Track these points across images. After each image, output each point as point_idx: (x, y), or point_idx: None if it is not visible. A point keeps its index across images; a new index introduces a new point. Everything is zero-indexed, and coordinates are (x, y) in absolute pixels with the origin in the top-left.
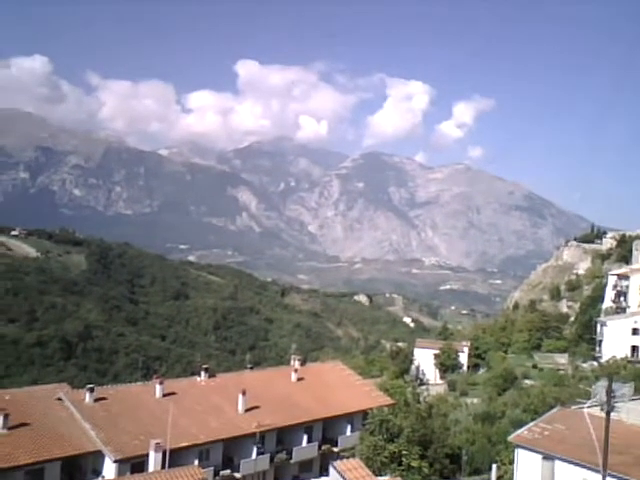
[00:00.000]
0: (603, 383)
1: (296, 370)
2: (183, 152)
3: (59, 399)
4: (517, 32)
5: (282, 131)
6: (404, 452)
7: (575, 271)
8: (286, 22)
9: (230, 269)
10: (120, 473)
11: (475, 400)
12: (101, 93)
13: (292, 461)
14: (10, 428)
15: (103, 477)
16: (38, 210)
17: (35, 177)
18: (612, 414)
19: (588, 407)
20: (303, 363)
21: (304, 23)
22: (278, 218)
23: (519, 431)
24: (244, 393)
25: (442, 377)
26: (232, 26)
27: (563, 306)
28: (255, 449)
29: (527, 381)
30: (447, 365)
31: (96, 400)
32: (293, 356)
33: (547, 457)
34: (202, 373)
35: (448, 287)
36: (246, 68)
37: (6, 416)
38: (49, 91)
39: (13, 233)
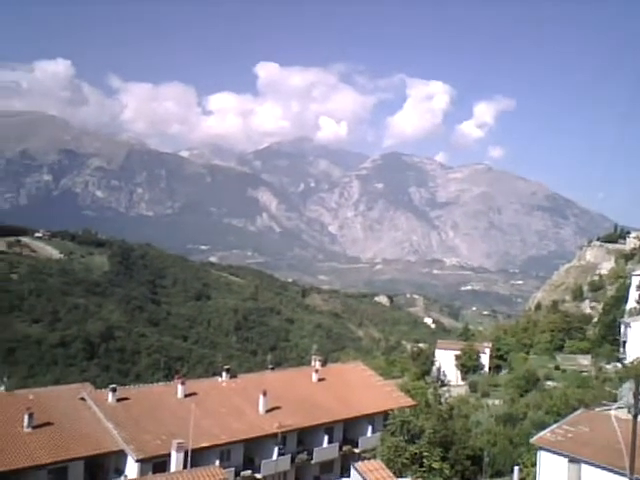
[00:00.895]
0: (629, 385)
1: (317, 371)
2: (204, 154)
3: (82, 399)
4: (539, 32)
5: (302, 132)
6: (425, 453)
7: (598, 271)
8: (306, 24)
9: (251, 270)
10: (142, 473)
11: (497, 401)
12: (123, 95)
13: (313, 462)
14: (34, 427)
15: (125, 476)
16: (61, 212)
17: (58, 180)
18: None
19: (615, 409)
20: (324, 364)
21: (324, 24)
22: (298, 219)
23: (542, 433)
24: (265, 394)
25: (463, 378)
26: (252, 28)
27: (586, 307)
28: (276, 450)
29: (549, 383)
30: (468, 366)
31: (118, 400)
32: (314, 357)
33: (573, 460)
34: (223, 374)
35: (469, 288)
36: (266, 70)
37: (30, 415)
38: (72, 94)
39: (37, 235)
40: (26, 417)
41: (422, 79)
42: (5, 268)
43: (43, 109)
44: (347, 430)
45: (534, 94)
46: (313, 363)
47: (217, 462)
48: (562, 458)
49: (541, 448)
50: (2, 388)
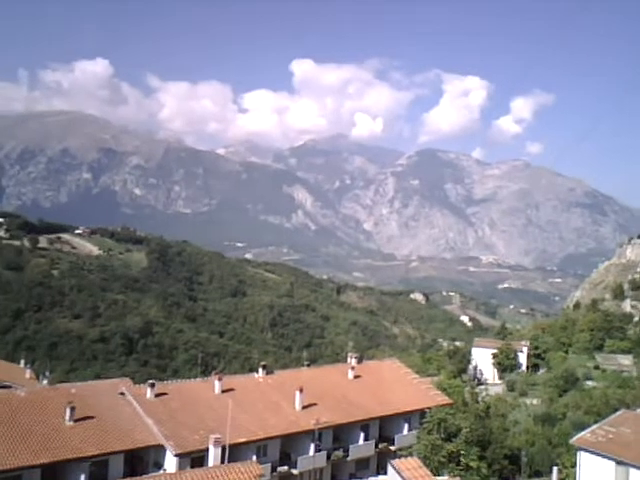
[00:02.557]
0: None
1: (353, 368)
2: (240, 151)
3: (122, 394)
4: (579, 24)
5: (337, 129)
6: (462, 452)
7: (639, 269)
8: (340, 20)
9: (286, 267)
10: (181, 467)
11: (535, 401)
12: (161, 94)
13: (349, 459)
14: (76, 421)
15: (164, 470)
16: (100, 209)
17: (98, 177)
18: None
19: None
20: (360, 361)
21: (358, 21)
22: (333, 216)
23: (581, 434)
24: (301, 390)
25: (500, 377)
26: (287, 26)
27: (627, 305)
28: (312, 446)
29: (589, 382)
30: (505, 365)
31: (157, 395)
32: (350, 354)
33: (621, 463)
34: (260, 370)
35: (506, 286)
36: (301, 67)
37: (72, 409)
38: (111, 93)
39: (77, 232)
40: (68, 411)
41: (458, 74)
42: (46, 264)
43: (83, 108)
44: (383, 427)
45: (574, 88)
46: (349, 360)
47: (254, 457)
48: (606, 460)
49: (581, 449)
50: (45, 382)
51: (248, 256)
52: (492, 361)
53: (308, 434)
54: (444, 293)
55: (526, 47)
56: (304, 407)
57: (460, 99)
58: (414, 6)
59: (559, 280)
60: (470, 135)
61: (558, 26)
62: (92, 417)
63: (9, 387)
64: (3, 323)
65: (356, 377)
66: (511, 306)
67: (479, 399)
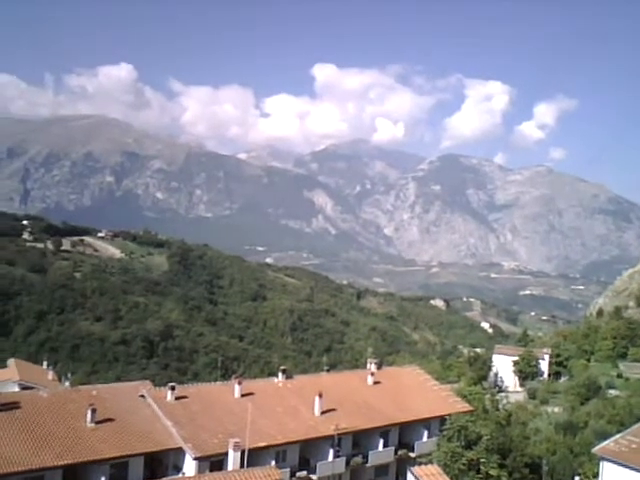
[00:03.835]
0: None
1: (372, 373)
2: (261, 156)
3: (142, 396)
4: (601, 29)
5: (358, 134)
6: (482, 460)
7: None
8: (362, 25)
9: (306, 271)
10: (200, 470)
11: (556, 409)
12: (183, 99)
13: (368, 465)
14: (97, 422)
15: (184, 473)
16: (123, 213)
17: (120, 181)
18: None
19: None
20: (379, 367)
21: (380, 26)
22: (354, 221)
23: (604, 443)
24: (321, 395)
25: (521, 384)
26: (309, 30)
27: None
28: (331, 451)
29: (612, 391)
30: (527, 372)
31: (177, 398)
32: (369, 359)
33: None
34: (279, 374)
35: (528, 292)
36: (323, 72)
37: (93, 411)
38: (134, 98)
39: (100, 235)
40: (89, 412)
41: (481, 79)
42: (69, 267)
43: (107, 112)
44: (403, 434)
45: (597, 93)
46: (368, 366)
47: (273, 462)
48: (630, 470)
49: (604, 459)
50: (67, 384)
51: (268, 260)
52: (513, 368)
53: (327, 439)
54: (465, 299)
55: (549, 52)
56: (323, 412)
57: (482, 104)
58: (436, 11)
59: (582, 287)
60: (492, 140)
61: (581, 31)
62: (113, 419)
63: (32, 388)
64: (27, 325)
65: (376, 383)
66: (532, 313)
67: (500, 406)
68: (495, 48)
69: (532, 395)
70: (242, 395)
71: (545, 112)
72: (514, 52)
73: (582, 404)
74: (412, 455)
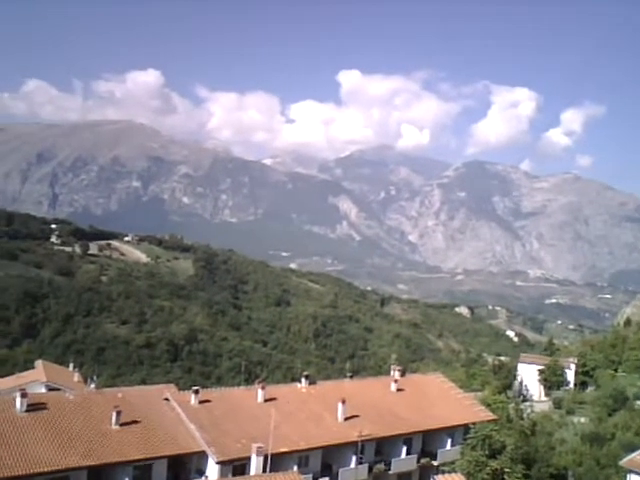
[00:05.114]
0: None
1: (396, 380)
2: (286, 161)
3: (166, 399)
4: (630, 35)
5: (383, 140)
6: (507, 470)
7: None
8: (388, 31)
9: (330, 277)
10: (222, 474)
11: (582, 419)
12: (210, 105)
13: (391, 472)
14: (122, 425)
15: (206, 477)
16: (149, 217)
17: (147, 186)
18: None
19: None
20: (403, 374)
21: (406, 32)
22: (378, 227)
23: (632, 455)
24: (344, 401)
25: (547, 394)
26: (334, 37)
27: None
28: (354, 458)
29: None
30: (552, 382)
31: (201, 402)
32: (393, 366)
33: None
34: (302, 380)
35: (554, 301)
36: (348, 78)
37: (118, 413)
38: (161, 103)
39: (126, 239)
40: (114, 415)
41: (507, 86)
42: (96, 270)
43: (134, 118)
44: (426, 442)
45: (625, 100)
46: (392, 373)
47: (295, 468)
48: None
49: (631, 471)
50: (92, 386)
51: (292, 266)
52: (538, 377)
53: (350, 446)
54: (490, 307)
55: (576, 59)
56: (346, 419)
57: (509, 111)
58: (461, 17)
59: (609, 296)
60: (518, 147)
61: (608, 37)
62: (137, 422)
63: (59, 390)
64: (54, 327)
65: (399, 390)
66: (559, 322)
67: (524, 416)
68: (522, 55)
69: (558, 405)
70: (265, 400)
71: (572, 119)
72: (541, 59)
73: (609, 415)
74: (435, 463)
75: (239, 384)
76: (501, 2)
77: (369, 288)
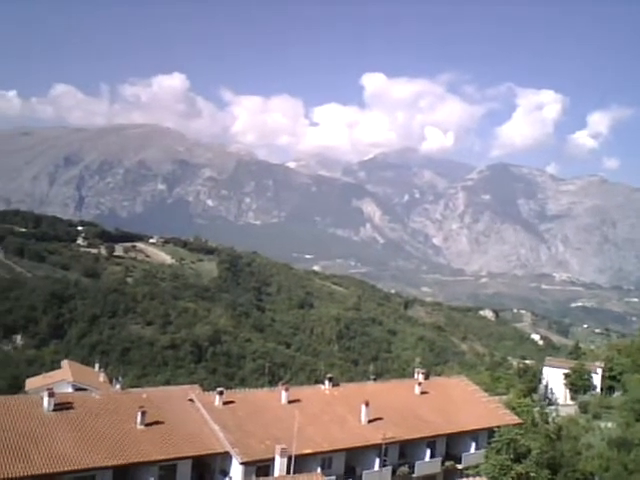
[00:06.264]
0: None
1: (420, 383)
2: (310, 164)
3: (190, 400)
4: None
5: (407, 143)
6: (532, 474)
7: None
8: (412, 34)
9: (353, 280)
10: (246, 475)
11: (609, 424)
12: (234, 108)
13: (414, 475)
14: (147, 425)
15: (230, 478)
16: (174, 220)
17: (172, 188)
18: None
19: None
20: (427, 377)
21: (430, 35)
22: (402, 230)
23: None
24: (367, 404)
25: (572, 398)
26: (359, 40)
27: None
28: (377, 460)
29: None
30: (578, 386)
31: (225, 403)
32: (417, 369)
33: None
34: (326, 382)
35: (580, 304)
36: (372, 81)
37: (143, 413)
38: (186, 107)
39: (151, 241)
40: (139, 415)
41: (532, 88)
42: (121, 272)
43: (160, 121)
44: (450, 445)
45: None
46: (416, 376)
47: (319, 469)
48: None
49: None
50: (118, 386)
51: (316, 268)
52: (564, 381)
53: (374, 448)
54: (515, 310)
55: (603, 61)
56: (370, 421)
57: (534, 113)
58: (486, 19)
59: (636, 300)
60: (544, 150)
61: (637, 39)
62: (162, 422)
63: (85, 389)
64: (80, 327)
65: (423, 393)
66: (585, 325)
67: (550, 420)
68: (548, 57)
69: (584, 409)
70: (289, 402)
71: (599, 121)
72: (567, 61)
73: (637, 420)
74: (459, 467)
75: (263, 385)
76: (527, 4)
77: (393, 291)
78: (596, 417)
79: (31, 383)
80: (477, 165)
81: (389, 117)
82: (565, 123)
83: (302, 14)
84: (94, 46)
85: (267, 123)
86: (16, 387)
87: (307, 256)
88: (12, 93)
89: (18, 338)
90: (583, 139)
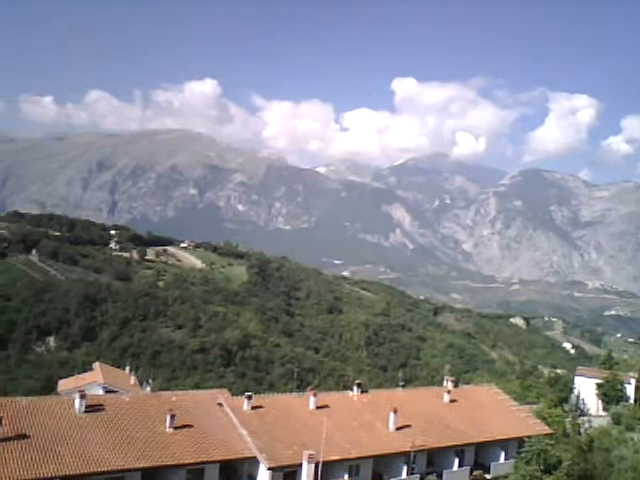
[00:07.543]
0: None
1: (449, 391)
2: (340, 170)
3: (219, 404)
4: None
5: (438, 148)
6: None
7: None
8: (444, 39)
9: (383, 285)
10: None
11: None
12: (265, 113)
13: None
14: (176, 428)
15: None
16: (205, 224)
17: (203, 193)
18: None
19: None
20: (456, 384)
21: (462, 39)
22: (432, 235)
23: None
24: (395, 411)
25: (605, 409)
26: (389, 44)
27: None
28: (405, 468)
29: None
30: (611, 396)
31: (253, 408)
32: (446, 377)
33: None
34: (354, 388)
35: (613, 313)
36: (403, 86)
37: (172, 416)
38: (218, 112)
39: (182, 245)
40: (168, 418)
41: (565, 92)
42: (153, 276)
43: (191, 127)
44: (478, 454)
45: None
46: (445, 383)
47: (346, 476)
48: None
49: None
50: (148, 389)
51: (345, 273)
52: (596, 391)
53: (402, 456)
54: (546, 318)
55: (639, 64)
56: (398, 428)
57: (567, 118)
58: (519, 23)
59: None
60: (577, 155)
61: None
62: (191, 425)
63: (115, 392)
64: (111, 330)
65: (452, 401)
66: (618, 334)
67: (581, 431)
68: (582, 61)
69: (617, 420)
70: (317, 407)
71: (634, 126)
72: (602, 65)
73: None
74: (488, 476)
75: (291, 390)
76: (561, 7)
77: (422, 297)
78: (629, 429)
79: (63, 384)
80: (509, 171)
81: (420, 122)
82: (599, 128)
83: (332, 20)
84: (129, 53)
85: (298, 128)
86: (49, 388)
87: (336, 261)
88: (48, 99)
89: (51, 340)
90: (617, 144)
